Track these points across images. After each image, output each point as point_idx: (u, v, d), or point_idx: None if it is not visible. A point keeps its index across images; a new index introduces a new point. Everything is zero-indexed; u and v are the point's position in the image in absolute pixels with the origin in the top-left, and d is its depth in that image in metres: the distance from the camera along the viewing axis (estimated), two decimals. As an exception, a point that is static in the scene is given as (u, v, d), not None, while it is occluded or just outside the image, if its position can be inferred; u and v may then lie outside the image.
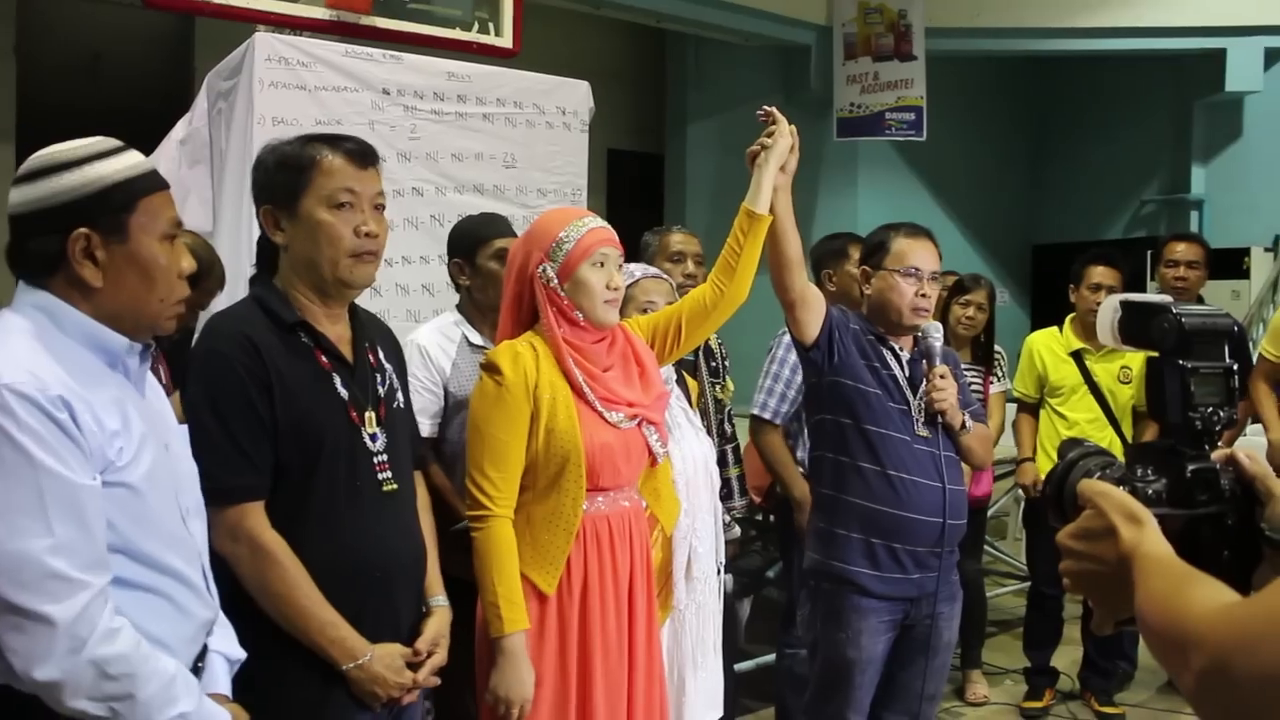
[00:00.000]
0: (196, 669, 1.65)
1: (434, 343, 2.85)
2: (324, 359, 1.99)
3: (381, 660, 1.97)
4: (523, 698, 2.16)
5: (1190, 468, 1.10)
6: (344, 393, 1.99)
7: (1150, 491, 1.10)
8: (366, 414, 2.01)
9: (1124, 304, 1.20)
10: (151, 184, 1.61)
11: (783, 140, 2.49)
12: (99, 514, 1.47)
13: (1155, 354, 1.17)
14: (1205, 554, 1.06)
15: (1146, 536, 1.03)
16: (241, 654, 1.79)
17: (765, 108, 2.56)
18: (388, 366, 2.12)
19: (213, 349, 1.96)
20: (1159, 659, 0.96)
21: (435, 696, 2.83)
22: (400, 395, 2.15)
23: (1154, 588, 0.97)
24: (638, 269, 2.85)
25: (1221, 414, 1.12)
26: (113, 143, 1.61)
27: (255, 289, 2.06)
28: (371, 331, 2.14)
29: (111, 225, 1.55)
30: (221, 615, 1.78)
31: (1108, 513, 1.06)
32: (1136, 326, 1.19)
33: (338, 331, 2.05)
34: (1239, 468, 1.11)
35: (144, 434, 1.55)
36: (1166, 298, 1.20)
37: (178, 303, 1.65)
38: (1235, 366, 1.14)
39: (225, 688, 1.72)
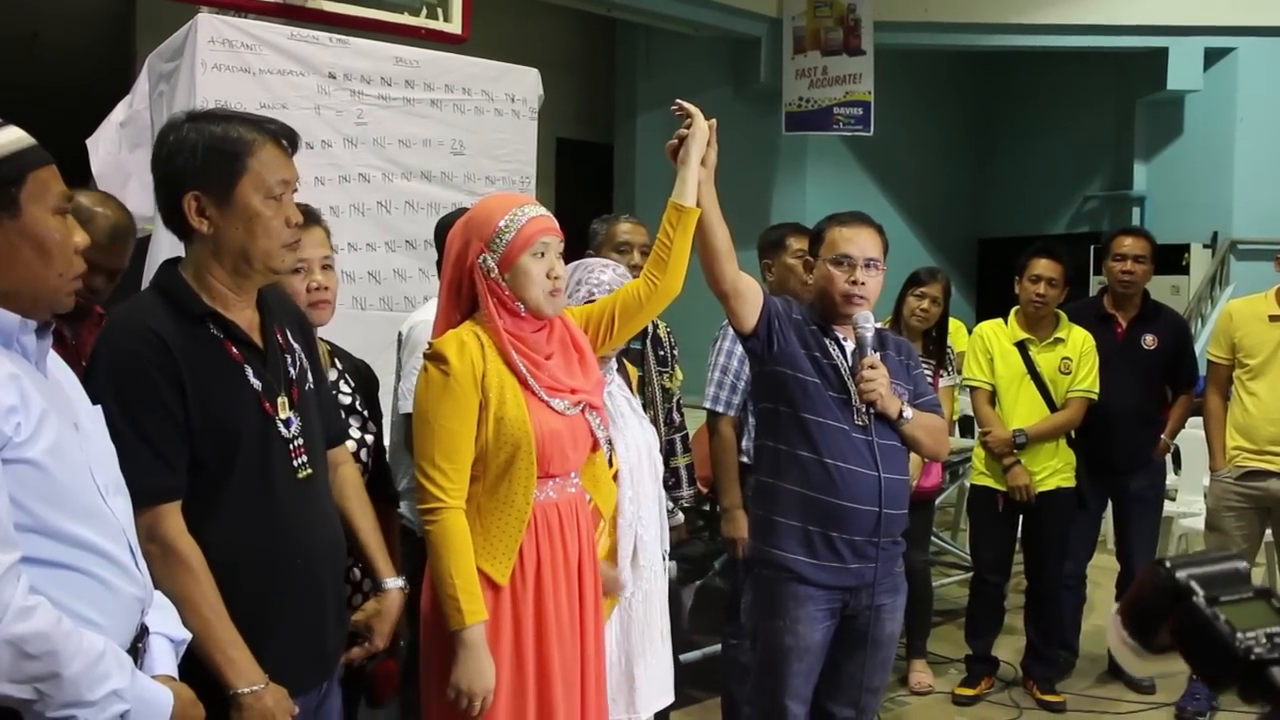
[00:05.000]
0: (136, 650, 1.61)
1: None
2: (234, 349, 1.94)
3: (273, 694, 1.90)
4: (485, 689, 2.15)
5: None
6: (256, 383, 1.95)
7: None
8: (279, 400, 1.98)
9: (1121, 616, 1.04)
10: (38, 158, 1.56)
11: (699, 134, 2.48)
12: (0, 490, 1.41)
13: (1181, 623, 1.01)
14: None
15: None
16: (186, 634, 1.75)
17: (678, 101, 2.55)
18: (296, 347, 2.08)
19: (119, 346, 1.89)
20: None
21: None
22: (310, 375, 2.11)
23: None
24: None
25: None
26: None
27: (158, 278, 1.99)
28: (279, 313, 2.10)
29: (1, 200, 1.50)
30: (161, 596, 1.74)
31: None
32: (1144, 623, 1.04)
33: (248, 317, 2.00)
34: None
35: (44, 410, 1.50)
36: None
37: (75, 278, 1.61)
38: (1266, 588, 1.00)
39: (170, 668, 1.68)
